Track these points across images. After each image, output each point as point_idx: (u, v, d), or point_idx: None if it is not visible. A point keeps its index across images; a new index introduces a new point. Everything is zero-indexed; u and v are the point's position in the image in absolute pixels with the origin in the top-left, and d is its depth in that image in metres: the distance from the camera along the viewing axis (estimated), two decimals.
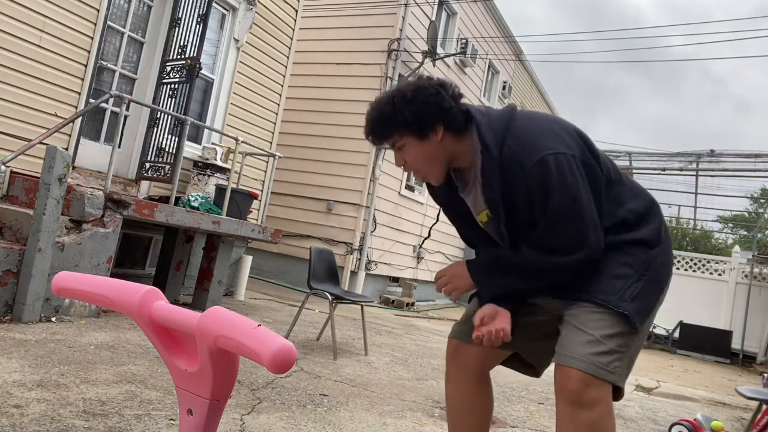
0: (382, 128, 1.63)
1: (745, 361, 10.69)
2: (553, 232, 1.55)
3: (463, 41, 10.80)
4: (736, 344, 10.86)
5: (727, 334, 10.92)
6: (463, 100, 1.64)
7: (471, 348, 1.77)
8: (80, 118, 4.80)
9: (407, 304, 9.50)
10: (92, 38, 4.89)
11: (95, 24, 4.90)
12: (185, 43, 5.25)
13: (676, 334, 11.32)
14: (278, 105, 7.19)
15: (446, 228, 12.01)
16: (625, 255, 1.59)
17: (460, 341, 1.80)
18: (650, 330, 1.71)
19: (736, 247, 12.54)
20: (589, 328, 1.54)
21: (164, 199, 5.18)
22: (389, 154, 9.45)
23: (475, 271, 1.70)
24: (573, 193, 1.50)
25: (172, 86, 5.21)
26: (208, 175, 5.70)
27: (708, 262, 11.86)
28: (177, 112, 5.02)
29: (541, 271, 1.61)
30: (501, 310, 1.68)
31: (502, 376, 4.68)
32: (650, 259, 1.60)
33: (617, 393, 1.58)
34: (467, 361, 1.79)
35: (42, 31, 4.53)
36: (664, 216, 1.72)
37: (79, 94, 4.84)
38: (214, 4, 5.55)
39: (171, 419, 2.36)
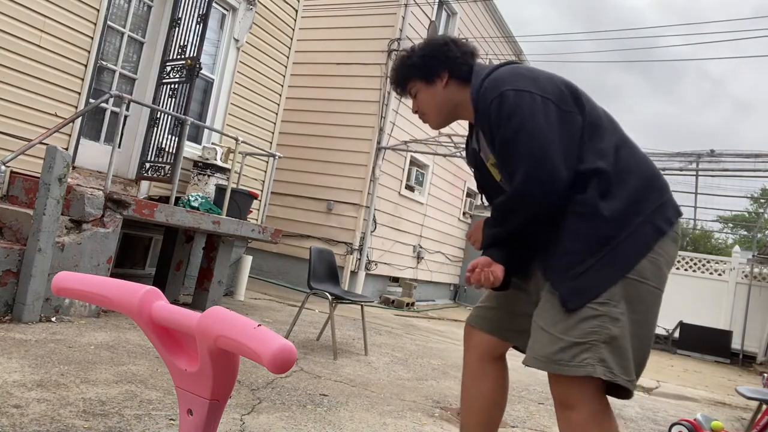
0: (399, 75, 1.81)
1: (745, 361, 10.69)
2: (506, 164, 1.56)
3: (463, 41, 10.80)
4: (736, 344, 10.86)
5: (727, 334, 10.92)
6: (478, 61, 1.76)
7: (481, 333, 1.84)
8: (80, 118, 4.80)
9: (407, 304, 9.50)
10: (92, 38, 4.89)
11: (95, 24, 4.90)
12: (185, 43, 5.25)
13: (676, 334, 11.31)
14: (278, 105, 7.19)
15: (446, 228, 12.01)
16: (585, 222, 1.50)
17: (471, 326, 1.88)
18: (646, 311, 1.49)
19: (736, 247, 12.55)
20: (548, 326, 1.51)
21: (164, 199, 5.18)
22: (389, 154, 9.45)
23: (484, 223, 1.73)
24: (526, 127, 1.48)
25: (172, 86, 5.20)
26: (208, 175, 5.70)
27: (708, 262, 11.86)
28: (177, 112, 5.02)
29: (506, 211, 1.59)
30: (495, 262, 1.66)
31: None
32: (611, 233, 1.49)
33: (622, 391, 1.48)
34: (477, 344, 1.85)
35: (42, 31, 4.53)
36: (670, 196, 1.58)
37: (79, 94, 4.84)
38: (214, 4, 5.55)
39: (171, 419, 2.36)
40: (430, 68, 1.73)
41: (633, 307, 1.47)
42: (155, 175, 5.13)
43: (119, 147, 5.05)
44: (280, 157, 6.58)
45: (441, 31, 10.56)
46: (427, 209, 11.13)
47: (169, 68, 5.32)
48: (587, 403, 1.46)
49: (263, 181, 7.09)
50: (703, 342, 10.95)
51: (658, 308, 1.53)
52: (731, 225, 23.35)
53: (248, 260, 6.80)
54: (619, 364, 1.43)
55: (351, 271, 9.04)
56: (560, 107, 1.52)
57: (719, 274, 11.61)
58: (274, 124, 7.18)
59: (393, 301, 9.44)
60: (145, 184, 5.51)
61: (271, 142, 7.13)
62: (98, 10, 4.90)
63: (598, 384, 1.46)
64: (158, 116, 5.13)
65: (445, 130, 11.07)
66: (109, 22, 5.13)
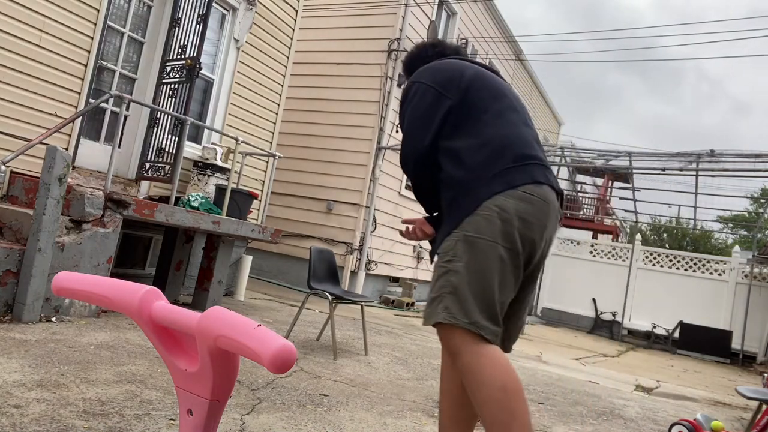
0: (403, 72, 2.25)
1: (745, 361, 10.69)
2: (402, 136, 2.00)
3: (463, 41, 10.80)
4: (736, 344, 10.86)
5: (727, 334, 10.92)
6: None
7: None
8: (80, 118, 4.80)
9: (407, 304, 9.49)
10: (92, 38, 4.89)
11: (95, 24, 4.90)
12: (185, 43, 5.25)
13: (676, 334, 11.32)
14: (278, 105, 7.19)
15: None
16: (444, 193, 1.85)
17: None
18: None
19: (736, 247, 12.55)
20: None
21: (164, 199, 5.18)
22: (389, 154, 9.45)
23: None
24: (410, 106, 1.93)
25: (172, 86, 5.20)
26: (208, 175, 5.70)
27: (708, 262, 11.86)
28: (177, 112, 5.02)
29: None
30: (427, 223, 2.01)
31: None
32: (454, 198, 1.79)
33: (481, 336, 1.63)
34: None
35: (42, 31, 4.53)
36: (523, 165, 1.76)
37: (79, 94, 4.84)
38: (214, 4, 5.55)
39: (171, 419, 2.36)
40: (412, 66, 2.12)
41: (473, 259, 1.66)
42: (155, 175, 5.13)
43: (119, 147, 5.05)
44: (280, 157, 6.58)
45: (441, 32, 10.56)
46: None
47: (169, 68, 5.32)
48: (466, 349, 1.63)
49: (263, 181, 7.09)
50: (703, 342, 10.95)
51: (496, 259, 1.67)
52: (731, 225, 23.34)
53: (248, 260, 6.79)
54: (460, 309, 1.63)
55: (351, 271, 9.04)
56: (440, 92, 1.86)
57: (719, 274, 11.61)
58: (274, 124, 7.18)
59: (393, 301, 9.44)
60: (145, 184, 5.51)
61: (271, 142, 7.13)
62: (98, 10, 4.90)
63: (473, 333, 1.63)
64: (158, 116, 5.13)
65: None
66: (109, 22, 5.13)
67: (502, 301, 1.68)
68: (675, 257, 12.11)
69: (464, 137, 1.81)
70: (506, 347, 1.86)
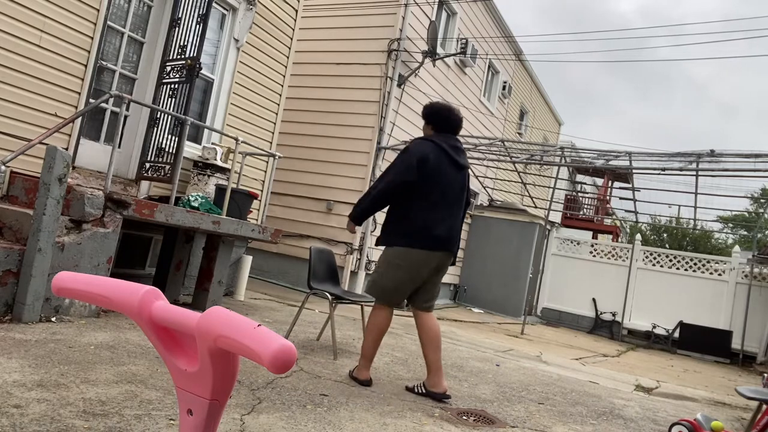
0: (423, 113, 3.80)
1: (745, 361, 10.69)
2: None
3: (463, 41, 10.80)
4: (736, 344, 10.86)
5: (727, 334, 10.92)
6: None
7: None
8: (80, 118, 4.80)
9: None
10: (92, 38, 4.89)
11: (95, 24, 4.90)
12: (185, 43, 5.25)
13: (676, 334, 11.32)
14: (278, 105, 7.19)
15: None
16: (387, 217, 3.79)
17: None
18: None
19: (736, 247, 12.54)
20: None
21: (164, 199, 5.18)
22: (389, 154, 9.45)
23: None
24: (403, 157, 3.59)
25: (172, 86, 5.20)
26: (208, 175, 5.70)
27: (708, 262, 11.86)
28: (177, 112, 5.02)
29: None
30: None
31: (502, 376, 4.67)
32: (392, 228, 3.73)
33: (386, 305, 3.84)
34: None
35: (42, 31, 4.53)
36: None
37: (79, 94, 4.84)
38: (214, 4, 5.55)
39: (171, 419, 2.36)
40: (430, 118, 3.77)
41: (390, 269, 3.73)
42: (155, 175, 5.13)
43: (119, 147, 5.05)
44: (280, 157, 6.57)
45: (441, 31, 10.56)
46: None
47: (169, 68, 5.31)
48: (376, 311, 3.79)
49: (263, 181, 7.09)
50: (703, 342, 10.95)
51: (397, 270, 3.65)
52: (731, 225, 23.35)
53: (248, 260, 6.79)
54: (382, 294, 3.80)
55: (351, 271, 9.04)
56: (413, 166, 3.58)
57: (719, 274, 11.60)
58: (274, 124, 7.18)
59: None
60: (145, 184, 5.50)
61: (271, 142, 7.13)
62: (98, 10, 4.90)
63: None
64: (158, 116, 5.13)
65: None
66: (109, 22, 5.13)
67: (403, 288, 3.69)
68: (675, 257, 12.11)
69: (416, 200, 3.53)
70: (423, 307, 3.94)
